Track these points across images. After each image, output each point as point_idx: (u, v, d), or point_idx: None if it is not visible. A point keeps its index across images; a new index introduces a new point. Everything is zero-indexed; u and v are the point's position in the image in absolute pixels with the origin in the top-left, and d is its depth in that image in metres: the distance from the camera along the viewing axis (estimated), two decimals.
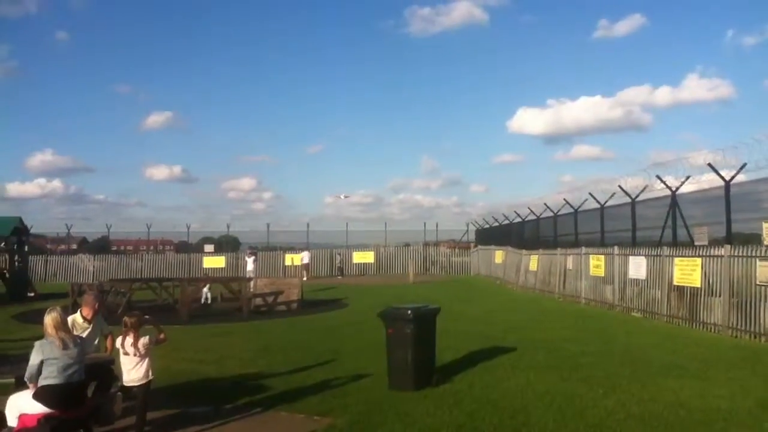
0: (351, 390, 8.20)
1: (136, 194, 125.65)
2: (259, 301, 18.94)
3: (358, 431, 6.46)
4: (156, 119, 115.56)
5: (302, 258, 36.34)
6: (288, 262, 37.26)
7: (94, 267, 36.20)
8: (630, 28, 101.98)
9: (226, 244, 44.54)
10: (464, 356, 10.29)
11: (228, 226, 46.04)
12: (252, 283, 20.54)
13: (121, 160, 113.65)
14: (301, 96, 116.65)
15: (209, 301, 20.47)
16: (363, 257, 40.03)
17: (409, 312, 8.23)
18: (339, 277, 35.12)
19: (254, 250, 34.65)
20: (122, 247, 52.02)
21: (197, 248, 43.03)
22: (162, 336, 6.69)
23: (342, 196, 72.75)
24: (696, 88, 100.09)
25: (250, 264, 30.24)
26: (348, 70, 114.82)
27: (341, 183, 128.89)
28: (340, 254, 38.67)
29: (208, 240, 45.14)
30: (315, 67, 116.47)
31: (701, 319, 13.59)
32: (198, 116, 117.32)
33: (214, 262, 37.80)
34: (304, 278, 31.31)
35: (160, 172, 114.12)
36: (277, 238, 45.42)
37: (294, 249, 39.82)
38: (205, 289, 20.67)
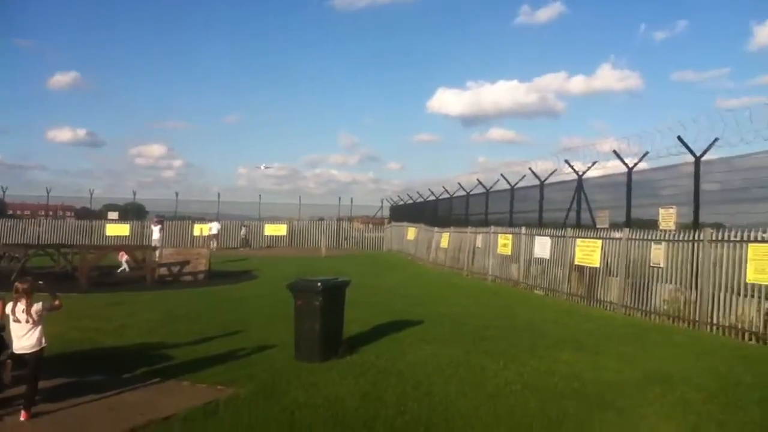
0: (256, 360, 8.09)
1: (36, 157, 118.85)
2: (164, 270, 18.37)
3: (262, 400, 6.36)
4: (61, 79, 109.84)
5: (211, 228, 35.50)
6: (197, 233, 36.28)
7: None
8: (550, 16, 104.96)
9: (132, 212, 42.94)
10: (372, 328, 10.35)
11: (134, 193, 44.46)
12: (158, 252, 19.85)
13: (21, 120, 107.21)
14: (219, 65, 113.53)
15: (127, 270, 19.52)
16: (275, 230, 39.45)
17: (319, 284, 8.18)
18: (241, 250, 34.32)
19: (161, 219, 33.51)
20: (19, 212, 49.16)
21: (100, 215, 41.23)
22: (57, 303, 6.33)
23: (262, 167, 71.64)
24: (608, 77, 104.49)
25: (155, 233, 29.22)
26: (269, 39, 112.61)
27: (257, 154, 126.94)
28: (246, 226, 37.86)
29: (112, 207, 43.32)
30: (233, 35, 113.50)
31: (599, 298, 14.26)
32: (107, 79, 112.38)
33: (117, 230, 36.27)
34: (213, 248, 30.65)
35: (63, 135, 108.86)
36: (186, 208, 44.33)
37: (204, 219, 38.84)
38: (124, 259, 19.77)
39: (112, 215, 39.98)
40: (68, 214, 49.60)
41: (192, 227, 36.89)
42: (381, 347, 9.01)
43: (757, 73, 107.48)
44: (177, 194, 42.85)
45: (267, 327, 10.49)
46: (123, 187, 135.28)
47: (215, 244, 33.57)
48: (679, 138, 13.75)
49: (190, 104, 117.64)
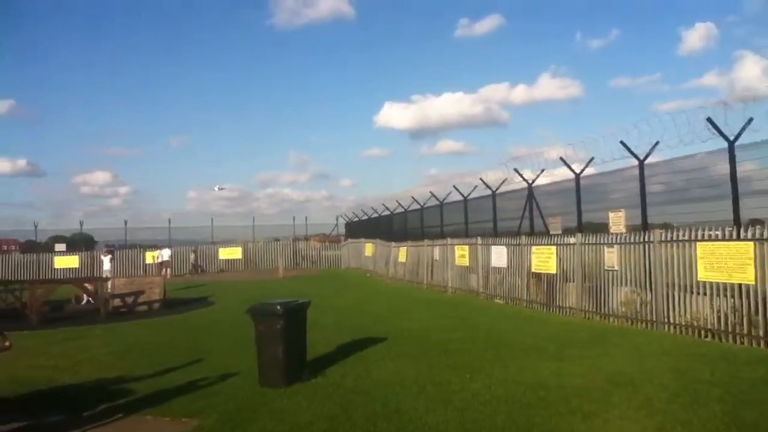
0: (220, 389, 7.92)
1: None
2: (117, 301, 17.90)
3: (228, 431, 6.24)
4: None
5: (161, 255, 34.84)
6: (149, 260, 35.54)
7: None
8: (489, 28, 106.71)
9: (80, 243, 41.81)
10: (335, 348, 10.28)
11: (81, 224, 43.30)
12: (109, 283, 19.35)
13: None
14: (162, 86, 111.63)
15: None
16: (230, 253, 38.96)
17: (279, 307, 8.08)
18: (188, 276, 33.57)
19: (111, 248, 32.67)
20: None
21: (47, 248, 40.00)
22: (7, 344, 6.10)
23: (216, 188, 70.88)
24: (549, 86, 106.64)
25: (106, 263, 28.45)
26: (211, 59, 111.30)
27: (205, 177, 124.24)
28: (194, 251, 37.19)
29: (59, 239, 42.11)
30: (176, 55, 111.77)
31: (558, 304, 14.48)
32: (45, 106, 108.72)
33: (66, 262, 35.31)
34: (167, 276, 30.06)
35: (1, 166, 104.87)
36: (136, 236, 43.37)
37: (155, 247, 38.07)
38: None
39: (60, 247, 38.82)
40: (12, 248, 47.93)
41: (143, 255, 36.11)
42: (346, 367, 8.94)
43: (688, 77, 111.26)
44: (126, 222, 41.98)
45: (228, 354, 10.30)
46: (69, 218, 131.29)
47: (168, 272, 32.94)
48: (622, 143, 14.16)
49: (134, 128, 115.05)
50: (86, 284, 19.28)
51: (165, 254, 34.88)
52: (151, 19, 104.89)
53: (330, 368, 8.82)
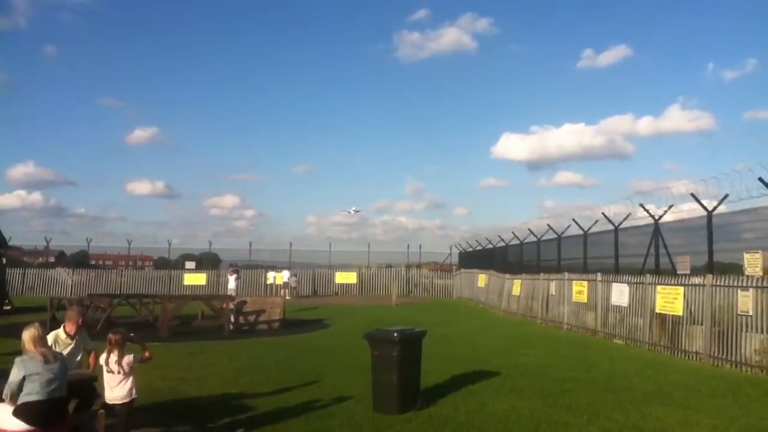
0: (334, 412, 8.11)
1: (117, 209, 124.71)
2: (241, 319, 18.77)
3: None
4: (141, 134, 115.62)
5: (283, 276, 36.16)
6: (270, 281, 37.00)
7: (72, 281, 35.67)
8: (614, 59, 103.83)
9: (207, 261, 44.25)
10: (448, 380, 10.25)
11: (210, 243, 45.91)
12: (234, 302, 20.33)
13: (103, 175, 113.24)
14: (289, 115, 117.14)
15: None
16: (345, 278, 39.89)
17: (396, 334, 8.19)
18: (286, 297, 33.84)
19: (236, 268, 34.36)
20: (101, 262, 51.48)
21: (177, 265, 42.68)
22: (147, 354, 6.61)
23: (352, 210, 72.35)
24: (678, 118, 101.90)
25: (231, 282, 29.95)
26: (337, 91, 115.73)
27: (325, 203, 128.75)
28: (295, 274, 37.93)
29: (188, 257, 44.80)
30: (304, 88, 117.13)
31: (683, 347, 13.67)
32: (183, 133, 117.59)
33: (194, 279, 37.42)
34: (287, 297, 31.14)
35: (142, 187, 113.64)
36: (259, 257, 45.33)
37: (275, 268, 39.59)
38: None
39: (189, 265, 41.29)
40: (147, 264, 51.63)
41: (265, 276, 37.64)
42: (459, 399, 8.89)
43: None
44: (250, 244, 44.01)
45: (343, 377, 10.53)
46: (198, 237, 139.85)
47: (289, 292, 34.14)
48: (761, 179, 13.26)
49: (262, 156, 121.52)
50: (222, 302, 19.96)
51: (285, 276, 36.16)
52: (281, 57, 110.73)
53: (443, 399, 8.81)
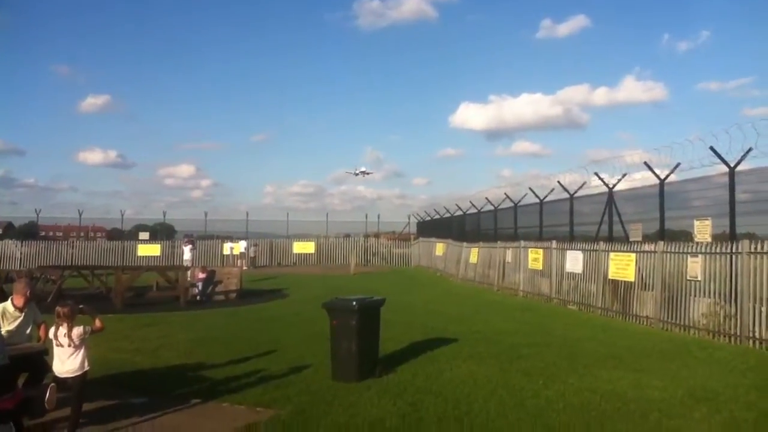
0: (293, 381, 8.09)
1: (68, 179, 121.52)
2: (196, 290, 18.55)
3: (302, 422, 6.37)
4: (93, 102, 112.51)
5: (240, 247, 35.80)
6: (226, 251, 36.58)
7: (21, 253, 34.60)
8: (573, 29, 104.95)
9: (162, 232, 43.48)
10: (406, 347, 10.31)
11: (164, 214, 45.05)
12: (189, 272, 20.07)
13: (54, 144, 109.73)
14: (246, 84, 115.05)
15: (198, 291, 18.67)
16: (303, 248, 39.69)
17: (354, 303, 8.18)
18: (243, 268, 33.43)
19: (191, 239, 33.87)
20: (51, 233, 50.06)
21: (131, 236, 41.79)
22: (99, 324, 6.43)
23: (359, 172, 69.25)
24: (632, 89, 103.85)
25: (187, 252, 29.56)
26: (293, 59, 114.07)
27: (283, 172, 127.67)
28: (255, 244, 37.59)
29: (142, 227, 43.84)
30: (260, 56, 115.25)
31: (634, 312, 14.03)
32: (137, 101, 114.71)
33: (149, 250, 36.71)
34: (244, 267, 30.90)
35: (94, 157, 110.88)
36: (214, 227, 44.69)
37: (231, 238, 39.15)
38: (199, 279, 19.07)
39: (143, 236, 40.46)
40: (99, 235, 50.39)
41: (221, 246, 37.20)
42: (417, 366, 8.96)
43: None
44: (206, 214, 43.27)
45: (302, 347, 10.50)
46: (152, 208, 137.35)
47: (246, 263, 33.88)
48: (712, 148, 13.51)
49: (219, 124, 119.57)
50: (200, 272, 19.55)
51: (242, 246, 35.80)
52: (235, 19, 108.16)
53: (401, 366, 8.86)
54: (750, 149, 12.76)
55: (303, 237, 42.00)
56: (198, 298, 18.38)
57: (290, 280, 25.56)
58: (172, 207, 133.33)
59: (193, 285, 18.77)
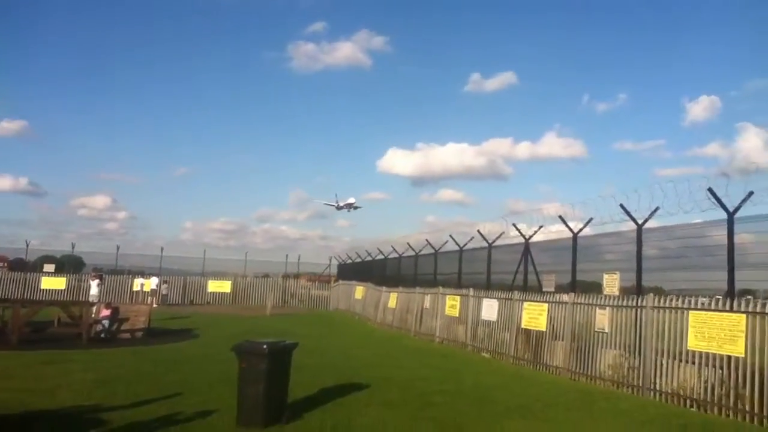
0: (197, 426, 7.74)
1: None
2: (99, 328, 17.63)
3: None
4: (7, 127, 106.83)
5: (152, 283, 34.50)
6: (136, 288, 35.13)
7: None
8: (500, 85, 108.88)
9: (69, 265, 41.45)
10: (317, 392, 10.09)
11: (73, 245, 43.05)
12: (95, 308, 19.10)
13: None
14: (170, 116, 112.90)
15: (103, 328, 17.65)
16: (219, 286, 38.56)
17: (265, 347, 7.94)
18: (157, 306, 32.09)
19: (100, 273, 32.36)
20: None
21: (36, 267, 39.60)
22: None
23: (342, 204, 61.97)
24: (553, 144, 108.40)
25: (94, 287, 28.11)
26: (223, 95, 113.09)
27: (204, 209, 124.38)
28: (166, 281, 36.25)
29: (48, 259, 41.65)
30: (188, 89, 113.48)
31: (545, 362, 14.31)
32: (54, 128, 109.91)
33: (53, 283, 34.78)
34: (154, 305, 29.76)
35: (2, 183, 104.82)
36: (127, 261, 42.99)
37: (142, 274, 37.72)
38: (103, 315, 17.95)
39: (48, 268, 38.34)
40: (0, 265, 47.52)
41: (132, 282, 35.73)
42: (326, 413, 8.75)
43: (691, 145, 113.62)
44: (118, 247, 41.59)
45: (209, 390, 10.09)
46: (62, 239, 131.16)
47: (157, 300, 32.66)
48: (622, 206, 14.17)
49: (139, 156, 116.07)
50: (85, 308, 18.33)
51: (153, 282, 34.55)
52: (163, 51, 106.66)
53: (310, 413, 8.64)
54: (657, 208, 13.47)
55: (219, 275, 40.91)
56: (102, 335, 17.48)
57: (202, 320, 24.72)
58: (84, 239, 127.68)
59: (98, 322, 17.85)
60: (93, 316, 17.97)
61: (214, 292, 38.10)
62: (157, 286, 34.51)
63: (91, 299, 24.47)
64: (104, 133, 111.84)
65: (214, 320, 25.08)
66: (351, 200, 66.66)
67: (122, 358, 13.90)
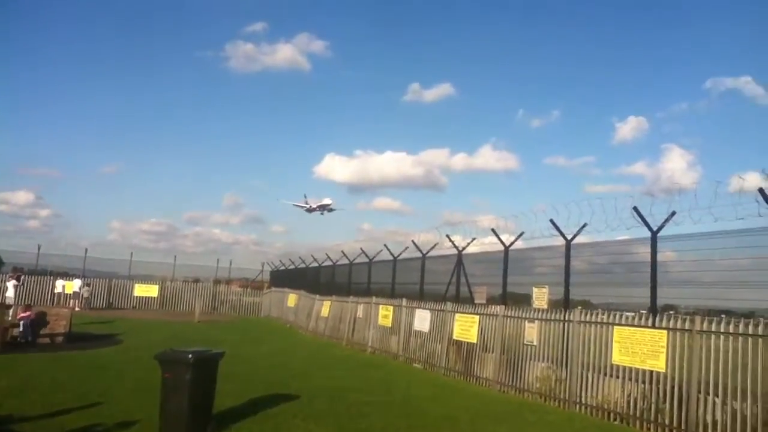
0: None
1: None
2: (17, 331, 16.76)
3: None
4: None
5: (74, 286, 33.11)
6: (58, 289, 33.63)
7: None
8: (438, 96, 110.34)
9: None
10: (245, 403, 9.84)
11: None
12: (11, 311, 18.17)
13: None
14: (103, 112, 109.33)
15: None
16: (145, 290, 37.23)
17: (190, 356, 7.67)
18: (79, 310, 30.86)
19: (18, 273, 30.82)
20: None
21: None
22: None
23: (315, 206, 55.95)
24: (488, 157, 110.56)
25: (10, 289, 26.74)
26: (161, 92, 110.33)
27: (133, 209, 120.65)
28: (89, 284, 34.60)
29: None
30: (118, 82, 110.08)
31: (475, 373, 14.43)
32: None
33: None
34: (76, 308, 28.60)
35: None
36: (49, 262, 41.07)
37: (67, 275, 36.15)
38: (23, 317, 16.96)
39: None
40: None
41: (53, 284, 34.19)
42: (253, 424, 8.55)
43: (619, 163, 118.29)
44: (39, 247, 39.71)
45: (131, 399, 9.71)
46: None
47: (80, 303, 31.40)
48: (552, 221, 14.51)
49: (65, 151, 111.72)
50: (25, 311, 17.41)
51: (76, 285, 33.17)
52: (97, 50, 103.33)
53: (236, 424, 8.42)
54: (585, 224, 13.86)
55: (147, 279, 39.62)
56: (19, 339, 16.62)
57: (127, 325, 23.86)
58: (3, 236, 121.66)
59: (14, 326, 16.97)
60: (9, 319, 17.07)
61: (140, 297, 36.79)
62: (79, 288, 33.13)
63: (7, 301, 23.26)
64: (27, 127, 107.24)
65: (140, 326, 24.26)
66: (326, 201, 59.96)
67: (39, 364, 13.23)
